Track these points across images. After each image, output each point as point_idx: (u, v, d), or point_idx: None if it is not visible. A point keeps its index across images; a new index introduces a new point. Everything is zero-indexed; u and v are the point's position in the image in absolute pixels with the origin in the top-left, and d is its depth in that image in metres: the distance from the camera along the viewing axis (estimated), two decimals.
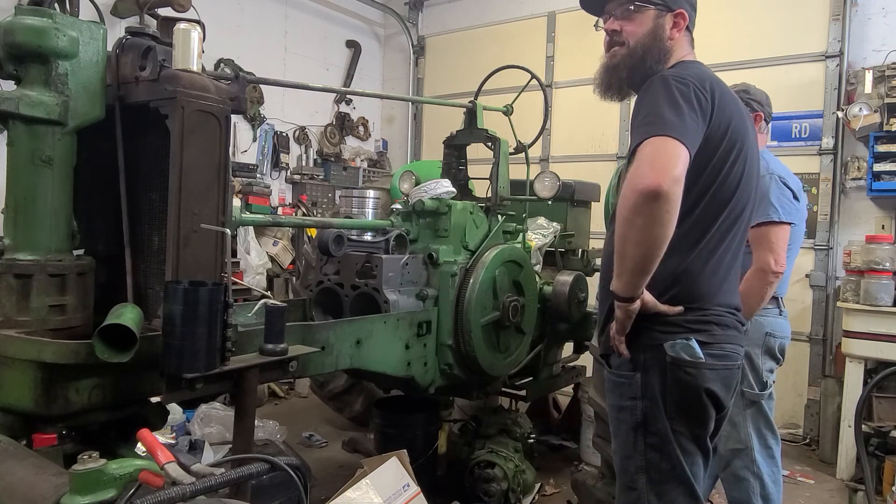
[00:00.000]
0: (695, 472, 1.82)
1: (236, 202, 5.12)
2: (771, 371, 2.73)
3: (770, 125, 5.13)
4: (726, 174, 1.81)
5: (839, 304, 4.40)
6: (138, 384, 1.92)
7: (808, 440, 4.90)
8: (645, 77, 1.87)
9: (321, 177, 6.90)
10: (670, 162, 1.62)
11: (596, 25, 2.06)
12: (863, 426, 3.38)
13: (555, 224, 4.06)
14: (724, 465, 2.75)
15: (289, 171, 6.70)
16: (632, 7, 1.90)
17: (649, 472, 1.82)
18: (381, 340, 2.72)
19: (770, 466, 2.71)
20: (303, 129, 6.82)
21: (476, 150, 3.78)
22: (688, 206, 1.75)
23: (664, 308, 1.78)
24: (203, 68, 2.01)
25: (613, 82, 1.98)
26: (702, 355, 1.76)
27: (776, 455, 2.74)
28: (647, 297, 1.78)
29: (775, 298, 2.74)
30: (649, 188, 1.60)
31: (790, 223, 2.60)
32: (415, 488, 2.67)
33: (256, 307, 2.64)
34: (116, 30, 4.72)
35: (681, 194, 1.63)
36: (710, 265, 1.82)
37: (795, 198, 2.66)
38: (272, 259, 5.90)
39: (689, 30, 1.95)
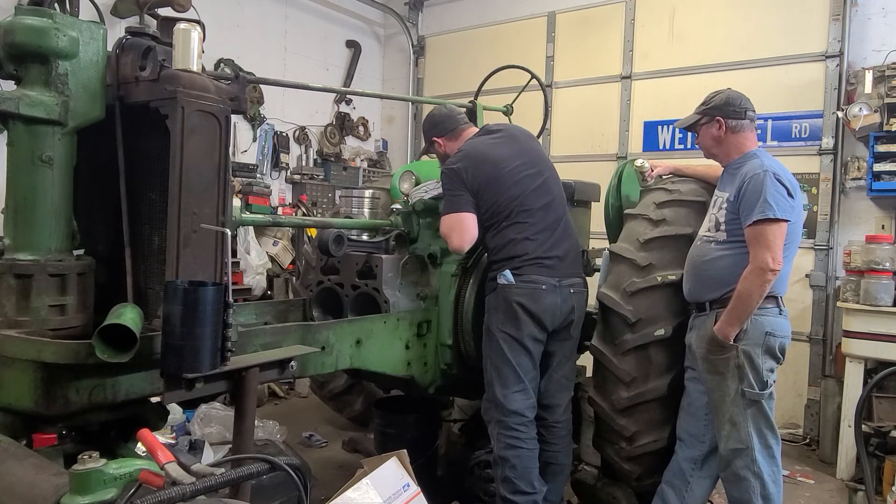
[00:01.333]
0: (519, 362, 2.82)
1: (236, 202, 5.11)
2: (771, 371, 2.71)
3: (770, 123, 5.19)
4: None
5: (839, 304, 4.40)
6: (138, 384, 1.92)
7: (808, 440, 4.90)
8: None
9: (321, 177, 6.90)
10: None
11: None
12: (863, 426, 3.38)
13: None
14: (725, 465, 2.75)
15: (289, 171, 6.70)
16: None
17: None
18: (381, 340, 2.72)
19: (770, 466, 2.70)
20: (303, 129, 6.82)
21: None
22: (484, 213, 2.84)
23: None
24: (203, 68, 2.01)
25: None
26: (513, 280, 2.80)
27: (776, 455, 2.73)
28: None
29: (774, 297, 2.73)
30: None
31: (786, 220, 2.59)
32: (415, 488, 2.66)
33: None
34: (116, 30, 4.72)
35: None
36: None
37: (790, 194, 2.65)
38: (272, 259, 5.90)
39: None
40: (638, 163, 3.33)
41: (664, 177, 3.37)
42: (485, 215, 2.86)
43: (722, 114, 2.84)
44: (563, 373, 3.03)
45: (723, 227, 2.76)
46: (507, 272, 2.81)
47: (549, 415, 3.00)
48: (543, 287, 2.83)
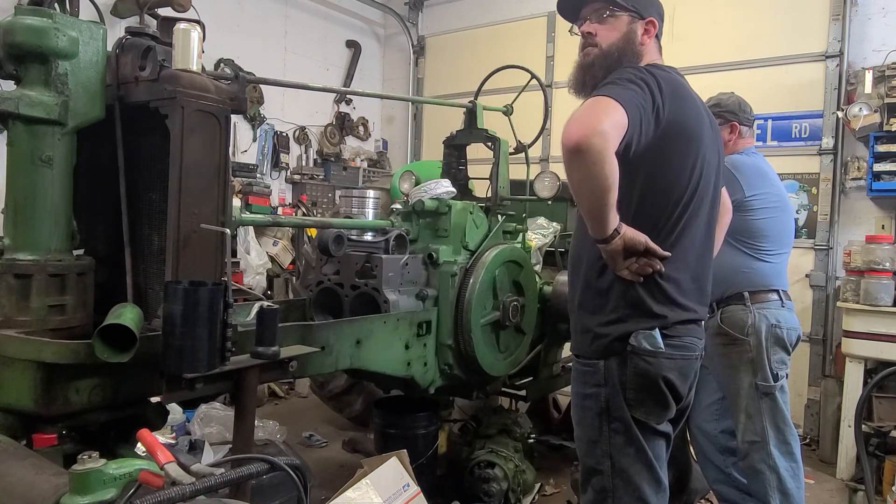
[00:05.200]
0: (657, 454, 1.93)
1: (236, 202, 5.11)
2: (782, 363, 2.77)
3: (770, 123, 5.20)
4: (677, 170, 1.86)
5: (839, 304, 4.40)
6: (138, 384, 1.92)
7: (808, 440, 4.90)
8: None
9: (321, 177, 6.90)
10: (596, 117, 1.70)
11: (571, 31, 2.24)
12: (863, 426, 3.38)
13: (555, 224, 4.06)
14: (743, 457, 2.82)
15: (289, 171, 6.70)
16: (606, 12, 2.03)
17: (614, 456, 1.91)
18: (381, 340, 2.72)
19: (789, 462, 2.75)
20: (303, 129, 6.82)
21: (476, 150, 3.77)
22: (634, 200, 1.88)
23: (653, 245, 1.84)
24: (203, 68, 2.01)
25: (587, 80, 2.05)
26: (662, 345, 1.85)
27: (794, 451, 2.78)
28: (629, 231, 1.83)
29: (775, 290, 2.80)
30: (571, 142, 1.70)
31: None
32: (415, 488, 2.66)
33: (253, 310, 2.63)
34: (116, 30, 4.72)
35: (609, 147, 1.69)
36: (674, 264, 1.88)
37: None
38: (272, 259, 5.90)
39: (657, 38, 2.08)
40: None
41: None
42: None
43: (738, 119, 2.97)
44: None
45: None
46: (657, 332, 1.90)
47: None
48: (697, 356, 2.01)
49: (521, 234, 3.58)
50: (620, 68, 1.91)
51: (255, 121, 6.30)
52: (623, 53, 1.99)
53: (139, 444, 1.61)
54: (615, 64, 1.98)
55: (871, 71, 4.60)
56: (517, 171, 3.69)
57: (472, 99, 3.71)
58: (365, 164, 7.38)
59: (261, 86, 6.10)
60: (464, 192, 3.64)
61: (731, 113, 2.96)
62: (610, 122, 1.70)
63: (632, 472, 1.89)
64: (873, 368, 4.16)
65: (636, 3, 2.02)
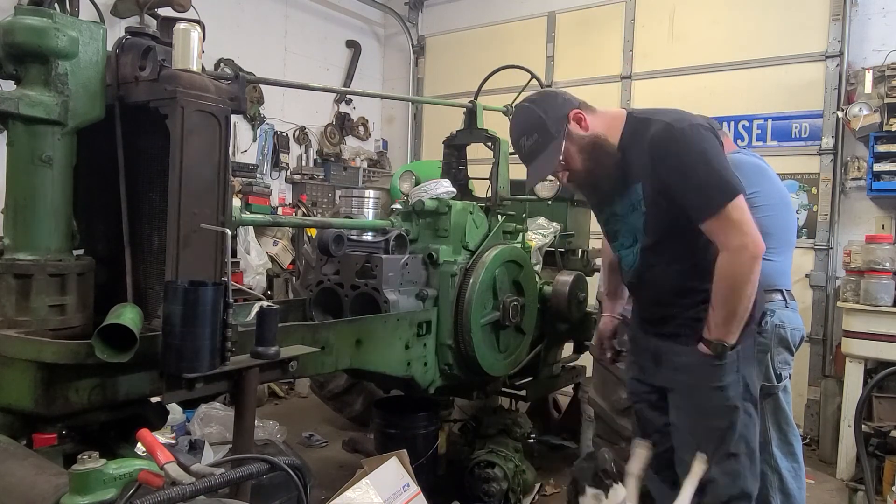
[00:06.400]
0: None
1: (236, 202, 5.11)
2: (785, 363, 2.75)
3: (770, 123, 5.21)
4: None
5: (839, 304, 4.40)
6: (138, 384, 1.92)
7: (808, 440, 4.90)
8: (613, 165, 2.11)
9: (321, 177, 6.90)
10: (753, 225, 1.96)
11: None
12: (863, 426, 3.38)
13: (555, 224, 4.06)
14: None
15: (289, 171, 6.70)
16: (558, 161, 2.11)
17: (745, 434, 2.06)
18: (381, 340, 2.72)
19: (790, 462, 2.73)
20: (303, 129, 6.82)
21: (476, 150, 3.77)
22: None
23: None
24: (203, 68, 2.01)
25: (603, 185, 2.19)
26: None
27: (796, 452, 2.76)
28: None
29: (779, 290, 2.79)
30: (759, 250, 1.93)
31: None
32: (415, 488, 2.66)
33: (253, 310, 2.63)
34: (116, 30, 4.73)
35: None
36: None
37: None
38: (272, 259, 5.90)
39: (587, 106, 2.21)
40: None
41: None
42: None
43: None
44: None
45: None
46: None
47: None
48: None
49: (521, 234, 3.58)
50: (690, 128, 2.00)
51: (255, 121, 6.30)
52: (594, 155, 2.11)
53: (139, 444, 1.61)
54: (599, 166, 2.13)
55: (871, 71, 4.60)
56: (517, 171, 3.68)
57: (472, 99, 3.71)
58: (365, 164, 7.38)
59: (261, 86, 6.10)
60: (464, 192, 3.64)
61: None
62: None
63: (755, 444, 2.08)
64: (873, 368, 4.16)
65: (555, 127, 2.08)
